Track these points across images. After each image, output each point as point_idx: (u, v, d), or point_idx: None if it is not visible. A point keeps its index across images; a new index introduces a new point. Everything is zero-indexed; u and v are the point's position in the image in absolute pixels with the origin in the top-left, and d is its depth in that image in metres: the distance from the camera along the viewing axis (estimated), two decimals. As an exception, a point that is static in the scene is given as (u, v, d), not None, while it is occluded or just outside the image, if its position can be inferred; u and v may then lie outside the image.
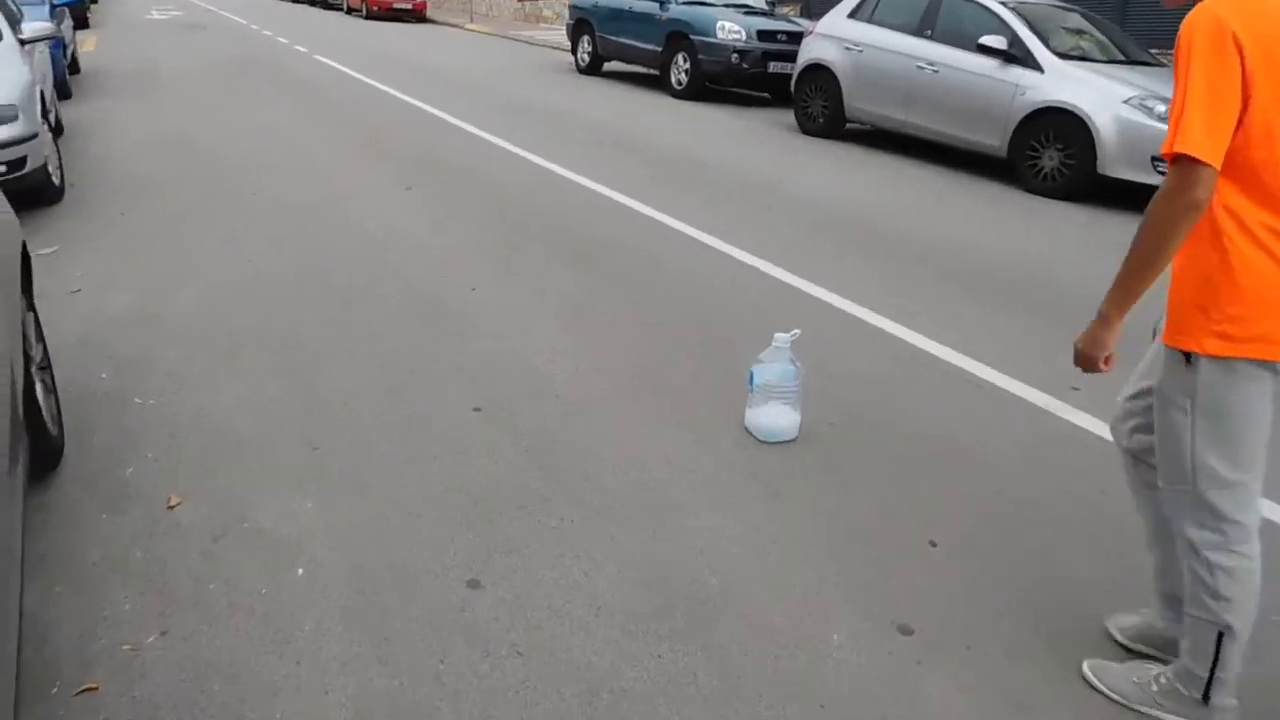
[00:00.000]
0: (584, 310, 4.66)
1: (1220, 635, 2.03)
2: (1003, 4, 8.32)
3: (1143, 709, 2.21)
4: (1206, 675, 2.08)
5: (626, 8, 13.07)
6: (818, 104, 9.88)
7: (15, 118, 5.59)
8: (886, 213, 6.86)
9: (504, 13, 26.41)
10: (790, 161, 8.56)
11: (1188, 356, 1.92)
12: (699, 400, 3.72)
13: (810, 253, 5.73)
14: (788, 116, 11.04)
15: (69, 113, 9.35)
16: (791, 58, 11.48)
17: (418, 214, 6.27)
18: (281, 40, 18.01)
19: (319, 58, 15.19)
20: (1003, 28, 8.10)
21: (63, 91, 10.13)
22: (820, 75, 9.78)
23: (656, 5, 12.44)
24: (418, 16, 25.15)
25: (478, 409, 3.56)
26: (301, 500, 2.92)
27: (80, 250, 5.29)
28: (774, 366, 3.34)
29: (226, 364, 3.88)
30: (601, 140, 9.04)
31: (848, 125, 9.77)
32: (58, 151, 6.45)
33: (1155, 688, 2.20)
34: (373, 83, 12.35)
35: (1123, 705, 2.23)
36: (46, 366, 3.14)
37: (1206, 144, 1.72)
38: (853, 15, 9.60)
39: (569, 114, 10.49)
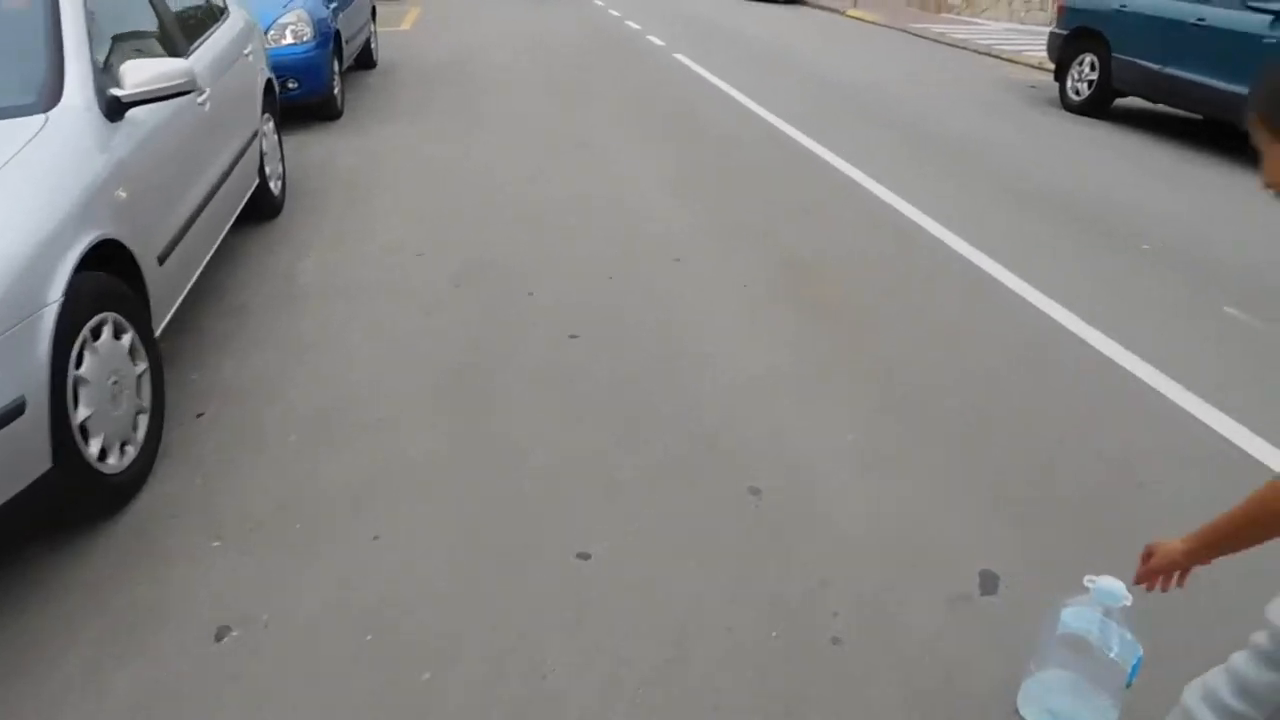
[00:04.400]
0: None
1: None
2: None
3: None
4: None
5: (1190, 19, 7.84)
6: None
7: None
8: None
9: (892, -4, 21.37)
10: None
11: None
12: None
13: None
14: None
15: (308, 157, 5.87)
16: None
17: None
18: (632, 25, 14.30)
19: (680, 57, 11.19)
20: None
21: (329, 112, 6.79)
22: None
23: (1267, 18, 7.13)
24: (788, -5, 20.75)
25: None
26: None
27: None
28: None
29: None
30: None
31: None
32: (151, 403, 2.66)
33: None
34: (767, 116, 8.08)
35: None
36: None
37: None
38: None
39: (1134, 222, 5.55)
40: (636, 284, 4.12)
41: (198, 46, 3.63)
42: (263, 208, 4.58)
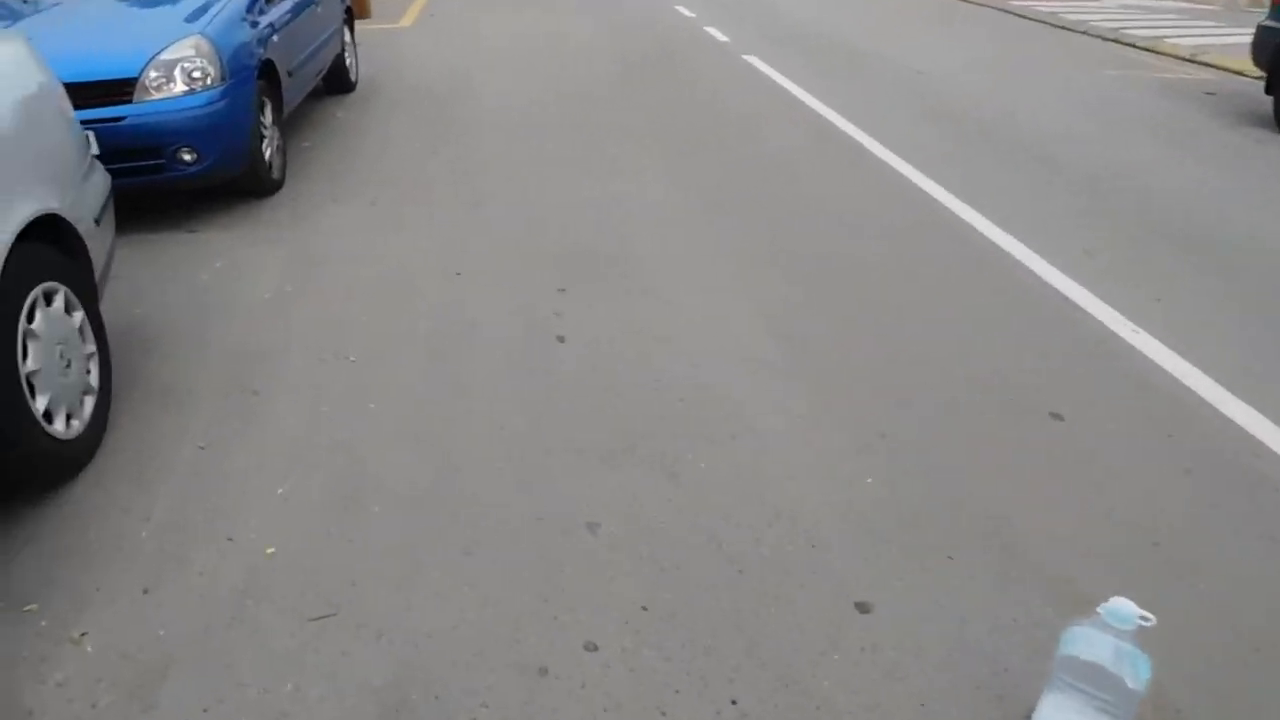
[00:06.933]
0: None
1: None
2: None
3: None
4: None
5: None
6: None
7: None
8: None
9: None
10: None
11: None
12: None
13: None
14: None
15: (191, 289, 3.63)
16: None
17: None
18: (714, 34, 11.76)
19: (751, 60, 8.75)
20: None
21: (256, 187, 4.57)
22: None
23: None
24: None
25: None
26: None
27: None
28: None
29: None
30: None
31: None
32: None
33: None
34: (897, 164, 5.69)
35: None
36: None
37: None
38: None
39: None
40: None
41: None
42: (37, 474, 2.36)
